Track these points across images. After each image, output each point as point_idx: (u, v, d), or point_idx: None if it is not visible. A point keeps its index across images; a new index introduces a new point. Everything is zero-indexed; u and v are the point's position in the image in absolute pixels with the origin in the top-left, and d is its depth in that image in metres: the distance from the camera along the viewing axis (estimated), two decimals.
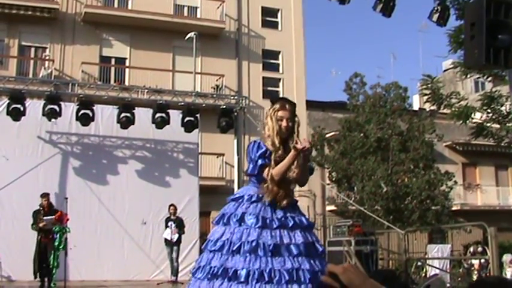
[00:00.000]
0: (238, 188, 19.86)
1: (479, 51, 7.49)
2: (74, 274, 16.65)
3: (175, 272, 17.16)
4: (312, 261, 4.76)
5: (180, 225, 17.29)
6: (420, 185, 23.83)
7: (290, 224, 4.86)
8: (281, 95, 31.86)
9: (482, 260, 17.10)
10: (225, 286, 4.59)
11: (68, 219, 13.52)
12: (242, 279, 4.54)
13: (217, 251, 4.77)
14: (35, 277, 15.67)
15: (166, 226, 17.32)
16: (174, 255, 17.20)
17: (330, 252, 16.16)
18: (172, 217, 17.33)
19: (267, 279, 4.53)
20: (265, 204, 4.89)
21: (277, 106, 5.01)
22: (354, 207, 23.26)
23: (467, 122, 14.58)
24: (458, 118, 14.46)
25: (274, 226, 4.81)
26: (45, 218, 14.25)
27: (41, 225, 14.32)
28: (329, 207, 30.77)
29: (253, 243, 4.66)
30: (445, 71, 39.51)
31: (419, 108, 29.93)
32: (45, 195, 15.19)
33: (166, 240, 17.24)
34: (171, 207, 17.42)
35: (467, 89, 37.36)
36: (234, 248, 4.69)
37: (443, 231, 26.06)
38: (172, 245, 17.20)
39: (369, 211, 21.67)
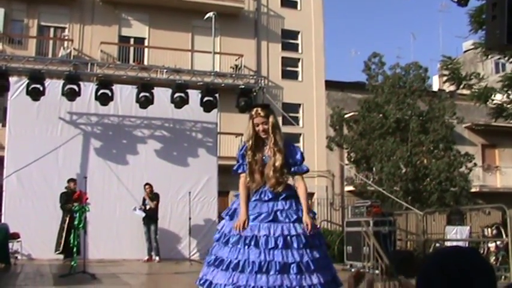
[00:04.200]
0: None
1: (500, 31, 7.40)
2: (93, 252, 16.78)
3: (156, 251, 17.28)
4: (287, 253, 5.37)
5: (153, 199, 17.43)
6: (439, 167, 23.69)
7: (279, 218, 5.57)
8: (300, 75, 31.85)
9: (498, 242, 16.99)
10: (215, 272, 5.52)
11: (87, 199, 13.59)
12: (224, 268, 5.44)
13: (216, 241, 5.82)
14: (56, 251, 16.03)
15: (144, 205, 17.43)
16: (153, 235, 17.35)
17: (348, 232, 16.17)
18: (149, 195, 17.44)
19: (240, 268, 5.33)
20: (261, 199, 5.71)
21: (253, 113, 5.84)
22: (373, 188, 23.22)
23: (487, 103, 14.45)
24: (478, 99, 14.33)
25: (263, 219, 5.58)
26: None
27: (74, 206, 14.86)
28: (347, 188, 30.73)
29: (236, 237, 5.54)
30: (465, 51, 39.18)
31: (439, 89, 29.69)
32: (72, 180, 16.38)
33: (143, 219, 17.39)
34: (147, 186, 17.49)
35: (487, 70, 36.98)
36: (224, 240, 5.67)
37: (462, 212, 25.89)
38: (149, 224, 17.35)
39: (388, 192, 21.61)
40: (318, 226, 6.05)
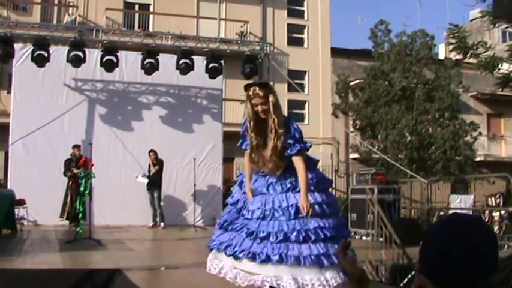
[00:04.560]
0: None
1: (508, 0, 7.34)
2: (99, 219, 16.89)
3: (160, 217, 17.35)
4: (273, 222, 5.32)
5: (157, 165, 17.45)
6: (444, 135, 23.69)
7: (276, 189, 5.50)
8: (306, 42, 31.69)
9: (503, 212, 17.02)
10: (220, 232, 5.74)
11: (92, 165, 13.63)
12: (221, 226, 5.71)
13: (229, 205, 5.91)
14: (61, 216, 16.16)
15: (149, 171, 17.47)
16: (156, 202, 17.41)
17: (352, 200, 16.21)
18: (153, 161, 17.44)
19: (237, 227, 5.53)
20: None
21: (250, 94, 5.49)
22: (378, 155, 23.23)
23: (494, 72, 14.38)
24: (485, 68, 14.26)
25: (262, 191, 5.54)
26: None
27: (75, 171, 15.64)
28: (352, 155, 30.79)
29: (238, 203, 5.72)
30: (472, 20, 38.82)
31: (445, 58, 29.55)
32: (76, 146, 16.36)
33: (147, 185, 17.45)
34: (151, 153, 17.45)
35: (494, 39, 36.70)
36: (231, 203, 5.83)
37: (467, 181, 25.94)
38: (152, 191, 17.41)
39: (393, 160, 21.63)
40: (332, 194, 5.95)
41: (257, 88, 5.46)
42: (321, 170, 26.73)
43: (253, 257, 5.16)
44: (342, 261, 2.36)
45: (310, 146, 5.65)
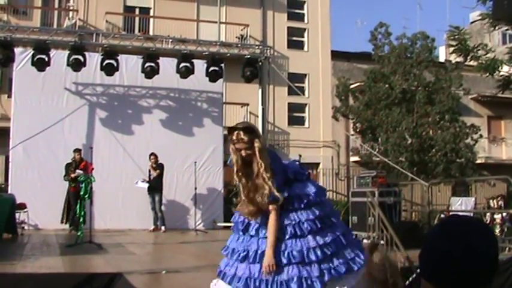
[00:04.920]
0: None
1: (508, 2, 7.33)
2: (99, 223, 16.87)
3: (161, 221, 17.33)
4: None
5: (157, 169, 17.42)
6: (445, 138, 23.67)
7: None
8: (306, 45, 31.69)
9: (504, 214, 17.01)
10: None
11: (93, 169, 13.65)
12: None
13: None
14: (62, 222, 16.22)
15: (149, 175, 17.44)
16: (157, 206, 17.38)
17: (353, 203, 16.20)
18: (153, 165, 17.43)
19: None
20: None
21: (234, 138, 5.03)
22: (378, 158, 23.22)
23: (494, 74, 14.39)
24: (486, 71, 14.27)
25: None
26: (77, 171, 15.46)
27: (73, 175, 15.73)
28: (353, 158, 30.79)
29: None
30: (472, 22, 38.85)
31: (446, 60, 29.55)
32: (77, 150, 16.36)
33: (148, 189, 17.42)
34: (152, 157, 17.42)
35: (494, 41, 36.70)
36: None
37: (467, 184, 25.89)
38: (153, 195, 17.39)
39: (393, 163, 21.61)
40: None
41: (241, 133, 4.99)
42: (321, 173, 26.75)
43: None
44: (370, 265, 2.26)
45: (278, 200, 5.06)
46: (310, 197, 5.08)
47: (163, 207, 17.58)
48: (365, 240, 14.25)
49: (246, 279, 4.94)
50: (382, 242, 11.62)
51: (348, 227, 5.37)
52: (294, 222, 4.98)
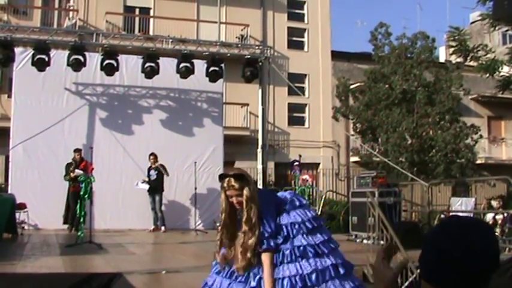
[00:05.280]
0: (262, 138, 19.90)
1: (508, 2, 7.32)
2: (99, 223, 16.86)
3: (161, 221, 17.34)
4: None
5: (161, 171, 17.42)
6: (445, 138, 23.66)
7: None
8: (306, 45, 31.69)
9: (506, 214, 16.99)
10: None
11: (92, 169, 13.64)
12: None
13: None
14: (64, 223, 16.27)
15: (148, 175, 17.45)
16: (157, 206, 17.39)
17: (353, 203, 16.18)
18: (152, 166, 17.43)
19: None
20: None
21: (225, 185, 5.03)
22: (378, 158, 23.22)
23: (495, 75, 14.40)
24: (486, 71, 14.27)
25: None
26: (77, 170, 15.36)
27: (72, 175, 15.65)
28: (353, 158, 30.79)
29: None
30: (472, 23, 38.85)
31: (446, 61, 29.56)
32: (77, 150, 16.35)
33: (148, 190, 17.43)
34: (151, 157, 17.44)
35: (494, 41, 36.67)
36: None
37: (467, 184, 25.91)
38: (154, 195, 17.39)
39: (393, 163, 21.62)
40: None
41: (232, 180, 5.00)
42: (321, 173, 26.75)
43: None
44: (378, 262, 2.24)
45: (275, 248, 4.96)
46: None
47: (163, 207, 17.58)
48: (365, 241, 14.26)
49: None
50: (382, 242, 11.61)
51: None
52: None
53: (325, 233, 5.08)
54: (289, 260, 4.87)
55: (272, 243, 4.87)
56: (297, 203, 5.13)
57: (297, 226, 4.97)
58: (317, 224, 5.06)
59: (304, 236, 4.95)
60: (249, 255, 4.86)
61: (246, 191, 4.93)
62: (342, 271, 4.85)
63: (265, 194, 5.26)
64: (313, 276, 4.79)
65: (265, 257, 4.86)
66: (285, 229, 4.96)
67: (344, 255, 5.00)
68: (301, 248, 4.90)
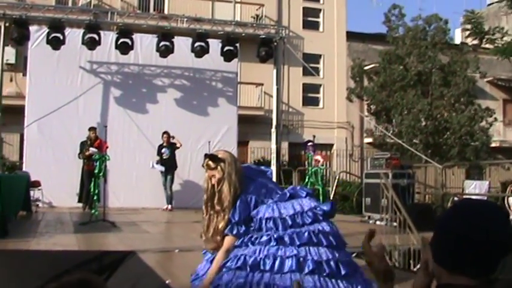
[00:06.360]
0: (277, 118, 19.86)
1: None
2: (113, 201, 16.94)
3: (169, 200, 17.40)
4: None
5: (173, 150, 17.46)
6: (460, 121, 23.57)
7: None
8: (321, 26, 31.54)
9: None
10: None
11: (107, 147, 13.70)
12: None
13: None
14: (79, 201, 16.34)
15: (160, 154, 17.41)
16: (168, 183, 17.41)
17: (366, 184, 16.17)
18: (165, 144, 17.45)
19: None
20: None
21: (205, 166, 5.11)
22: (392, 140, 23.16)
23: (511, 58, 14.28)
24: (502, 54, 14.16)
25: None
26: (91, 148, 15.31)
27: (87, 153, 15.68)
28: (367, 140, 30.76)
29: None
30: (489, 4, 38.42)
31: (461, 43, 29.35)
32: (92, 129, 16.30)
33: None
34: (164, 135, 17.43)
35: (511, 24, 36.35)
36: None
37: (481, 167, 25.82)
38: (166, 174, 17.40)
39: (407, 145, 21.56)
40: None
41: (208, 159, 5.11)
42: (335, 154, 26.67)
43: None
44: (368, 253, 2.27)
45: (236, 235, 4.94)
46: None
47: (177, 187, 17.61)
48: (378, 222, 14.26)
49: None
50: (395, 224, 11.60)
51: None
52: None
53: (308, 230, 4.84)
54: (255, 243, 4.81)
55: (235, 231, 4.88)
56: (286, 197, 5.04)
57: (272, 221, 4.86)
58: (301, 221, 4.87)
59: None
60: (218, 238, 4.95)
61: (217, 172, 5.00)
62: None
63: (257, 182, 5.14)
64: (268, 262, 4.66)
65: (224, 241, 4.93)
66: (258, 222, 4.89)
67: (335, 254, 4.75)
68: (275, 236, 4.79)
